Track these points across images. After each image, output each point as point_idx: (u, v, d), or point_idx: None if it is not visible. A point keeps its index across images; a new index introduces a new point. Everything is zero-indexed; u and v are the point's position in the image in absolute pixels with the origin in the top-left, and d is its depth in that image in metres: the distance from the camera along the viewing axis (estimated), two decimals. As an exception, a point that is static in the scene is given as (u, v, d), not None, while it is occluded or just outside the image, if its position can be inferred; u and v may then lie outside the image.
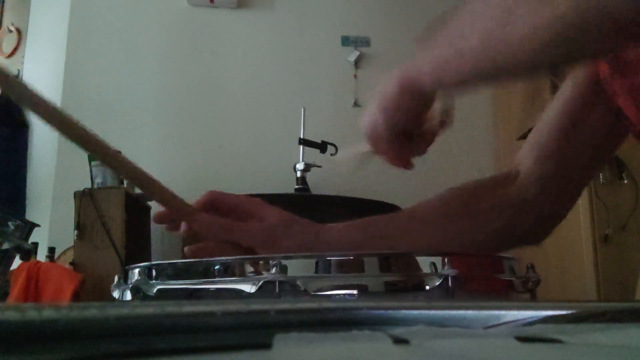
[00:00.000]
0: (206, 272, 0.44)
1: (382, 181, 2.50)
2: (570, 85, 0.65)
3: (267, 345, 0.18)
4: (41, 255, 2.14)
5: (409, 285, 0.42)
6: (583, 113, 0.63)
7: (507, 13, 0.39)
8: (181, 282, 0.44)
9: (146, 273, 0.45)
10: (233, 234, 0.53)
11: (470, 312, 0.24)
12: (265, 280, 0.39)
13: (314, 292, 0.40)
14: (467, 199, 0.65)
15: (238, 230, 0.53)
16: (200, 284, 0.43)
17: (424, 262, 0.42)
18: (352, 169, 0.62)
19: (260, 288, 0.39)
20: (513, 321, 0.24)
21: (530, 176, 0.65)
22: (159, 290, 0.44)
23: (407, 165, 0.55)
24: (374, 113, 0.51)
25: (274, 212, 0.56)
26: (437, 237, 0.62)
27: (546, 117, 0.66)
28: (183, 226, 0.54)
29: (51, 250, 2.24)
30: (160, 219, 0.55)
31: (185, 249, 0.54)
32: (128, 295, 0.45)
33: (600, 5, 0.34)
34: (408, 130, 0.53)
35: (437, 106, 0.51)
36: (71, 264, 2.15)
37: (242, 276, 0.42)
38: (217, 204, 0.56)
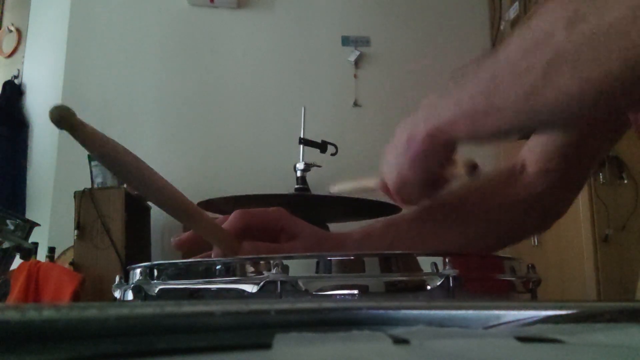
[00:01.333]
0: (207, 272, 0.43)
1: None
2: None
3: (267, 345, 0.18)
4: (41, 255, 2.14)
5: (409, 286, 0.42)
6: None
7: (553, 69, 0.37)
8: (182, 282, 0.44)
9: (147, 273, 0.45)
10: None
11: (470, 312, 0.24)
12: (267, 280, 0.39)
13: (315, 292, 0.40)
14: (476, 197, 0.65)
15: (284, 252, 0.52)
16: (202, 283, 0.43)
17: (425, 262, 0.42)
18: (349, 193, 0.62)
19: (261, 288, 0.39)
20: (513, 321, 0.24)
21: (537, 172, 0.65)
22: (160, 290, 0.44)
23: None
24: (401, 167, 0.49)
25: (305, 227, 0.55)
26: (452, 238, 0.62)
27: None
28: (215, 253, 0.52)
29: (51, 250, 2.25)
30: (183, 244, 0.52)
31: (172, 239, 0.53)
32: (129, 295, 0.45)
33: None
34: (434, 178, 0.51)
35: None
36: (71, 264, 2.15)
37: (244, 276, 0.42)
38: (247, 226, 0.54)
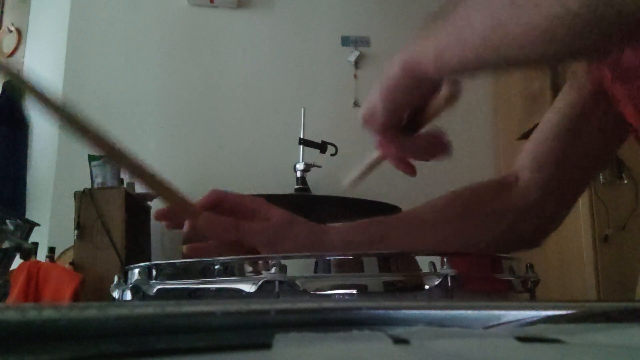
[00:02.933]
0: (206, 272, 0.44)
1: (382, 182, 2.50)
2: (570, 90, 0.65)
3: (267, 345, 0.18)
4: (41, 255, 2.14)
5: (408, 285, 0.42)
6: (583, 119, 0.63)
7: (515, 4, 0.38)
8: (181, 281, 0.44)
9: (146, 273, 0.45)
10: (236, 232, 0.53)
11: (470, 312, 0.24)
12: (265, 280, 0.39)
13: (313, 291, 0.40)
14: (469, 203, 0.65)
15: (241, 229, 0.53)
16: (200, 283, 0.43)
17: (423, 262, 0.42)
18: (361, 179, 0.62)
19: (259, 288, 0.39)
20: (513, 321, 0.24)
21: (531, 182, 0.65)
22: (158, 290, 0.44)
23: (408, 167, 0.54)
24: (375, 97, 0.50)
25: (278, 212, 0.56)
26: (438, 241, 0.62)
27: (546, 123, 0.66)
28: (186, 225, 0.54)
29: (51, 250, 2.25)
30: (161, 216, 0.55)
31: (184, 247, 0.54)
32: (128, 295, 0.45)
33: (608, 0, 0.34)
34: (408, 116, 0.51)
35: (442, 93, 0.50)
36: (71, 264, 2.15)
37: (242, 276, 0.42)
38: (220, 203, 0.56)
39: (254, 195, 0.60)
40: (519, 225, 0.66)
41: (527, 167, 0.66)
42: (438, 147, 0.51)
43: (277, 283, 0.39)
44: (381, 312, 0.23)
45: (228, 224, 0.53)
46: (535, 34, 0.38)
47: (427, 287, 0.41)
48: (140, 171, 0.51)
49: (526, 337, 0.19)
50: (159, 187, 0.52)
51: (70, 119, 0.45)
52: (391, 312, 0.23)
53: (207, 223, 0.52)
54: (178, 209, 0.54)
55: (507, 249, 0.66)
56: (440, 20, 0.46)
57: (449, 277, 0.40)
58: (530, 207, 0.65)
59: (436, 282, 0.40)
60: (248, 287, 0.40)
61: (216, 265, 0.44)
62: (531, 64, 0.44)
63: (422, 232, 0.62)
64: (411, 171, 0.54)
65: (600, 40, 0.37)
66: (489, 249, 0.64)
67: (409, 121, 0.52)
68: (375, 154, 0.57)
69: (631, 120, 0.59)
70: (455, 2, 0.45)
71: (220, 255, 0.51)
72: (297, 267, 0.41)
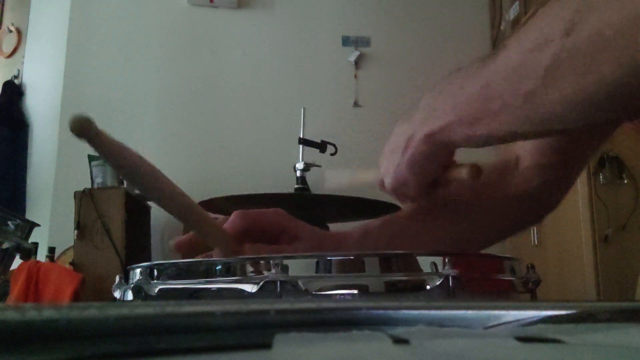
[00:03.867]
0: (207, 272, 0.44)
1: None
2: None
3: (267, 345, 0.18)
4: (41, 255, 2.14)
5: (409, 285, 0.42)
6: None
7: (552, 74, 0.37)
8: (182, 282, 0.44)
9: (148, 273, 0.45)
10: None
11: (470, 312, 0.24)
12: (267, 280, 0.39)
13: (315, 291, 0.40)
14: (475, 194, 0.65)
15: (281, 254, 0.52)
16: (202, 283, 0.43)
17: (425, 262, 0.42)
18: (340, 188, 0.62)
19: (261, 288, 0.39)
20: (513, 321, 0.24)
21: (532, 168, 0.65)
22: (160, 290, 0.44)
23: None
24: (399, 168, 0.49)
25: (305, 228, 0.55)
26: (443, 238, 0.62)
27: None
28: (216, 255, 0.51)
29: (51, 250, 2.25)
30: (184, 247, 0.52)
31: (171, 243, 0.53)
32: (129, 295, 0.45)
33: None
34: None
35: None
36: (71, 264, 2.15)
37: (244, 276, 0.42)
38: (248, 227, 0.54)
39: (252, 195, 0.59)
40: (522, 208, 0.66)
41: (529, 151, 0.66)
42: (473, 177, 0.50)
43: (278, 283, 0.39)
44: (381, 312, 0.23)
45: (273, 252, 0.51)
46: (570, 104, 0.36)
47: (428, 287, 0.41)
48: (177, 204, 0.47)
49: (526, 337, 0.19)
50: (195, 219, 0.48)
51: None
52: (391, 312, 0.23)
53: (253, 253, 0.50)
54: (211, 241, 0.51)
55: (515, 231, 0.66)
56: (462, 81, 0.44)
57: (450, 278, 0.40)
58: (531, 194, 0.65)
59: (437, 283, 0.40)
60: (250, 287, 0.40)
61: (218, 265, 0.44)
62: (564, 133, 0.43)
63: (431, 229, 0.62)
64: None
65: (633, 103, 0.36)
66: (493, 238, 0.64)
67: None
68: (371, 175, 0.57)
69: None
70: (474, 62, 0.43)
71: (208, 249, 0.51)
72: (299, 267, 0.41)
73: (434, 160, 0.48)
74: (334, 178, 0.64)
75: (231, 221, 0.53)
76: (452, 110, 0.45)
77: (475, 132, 0.43)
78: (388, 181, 0.52)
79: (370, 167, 0.60)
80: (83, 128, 0.35)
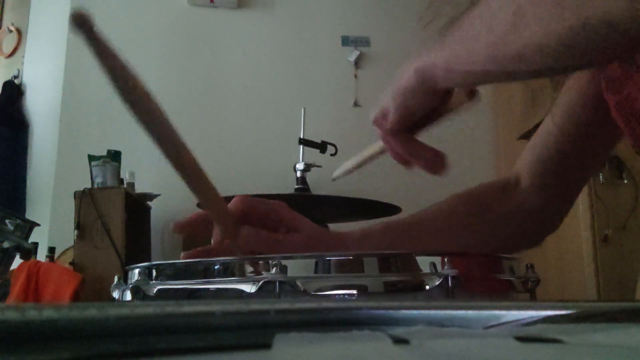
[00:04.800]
0: (206, 272, 0.43)
1: (382, 181, 2.50)
2: (571, 92, 0.65)
3: (267, 345, 0.18)
4: (41, 255, 2.14)
5: (408, 286, 0.42)
6: (584, 122, 0.64)
7: (518, 21, 0.40)
8: (181, 282, 0.44)
9: (146, 273, 0.45)
10: (276, 248, 0.51)
11: (470, 312, 0.24)
12: (265, 280, 0.39)
13: (313, 292, 0.40)
14: (473, 210, 0.66)
15: (280, 244, 0.52)
16: (200, 284, 0.43)
17: (424, 262, 0.42)
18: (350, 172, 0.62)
19: (260, 288, 0.39)
20: (513, 321, 0.24)
21: (532, 187, 0.67)
22: (159, 290, 0.44)
23: (406, 163, 0.55)
24: (387, 99, 0.52)
25: (305, 221, 0.56)
26: (444, 246, 0.63)
27: (545, 128, 0.67)
28: (214, 238, 0.52)
29: (51, 250, 2.24)
30: (182, 228, 0.53)
31: (182, 254, 0.53)
32: (128, 296, 0.45)
33: (604, 16, 0.36)
34: (416, 122, 0.53)
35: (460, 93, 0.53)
36: (71, 264, 2.15)
37: (242, 276, 0.42)
38: (248, 211, 0.54)
39: (252, 195, 0.59)
40: (522, 229, 0.67)
41: (528, 172, 0.67)
42: (437, 163, 0.53)
43: (277, 283, 0.39)
44: (381, 312, 0.23)
45: (271, 240, 0.51)
46: (534, 48, 0.40)
47: (427, 287, 0.41)
48: (196, 175, 0.46)
49: (526, 337, 0.19)
50: (212, 197, 0.47)
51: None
52: (391, 312, 0.23)
53: (249, 239, 0.50)
54: (221, 223, 0.50)
55: (509, 251, 0.66)
56: (452, 30, 0.47)
57: (449, 278, 0.40)
58: (532, 211, 0.66)
59: (437, 283, 0.40)
60: (248, 288, 0.40)
61: (216, 265, 0.44)
62: (532, 76, 0.46)
63: (430, 238, 0.63)
64: (408, 165, 0.55)
65: (598, 52, 0.39)
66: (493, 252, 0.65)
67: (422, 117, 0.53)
68: (374, 146, 0.58)
69: (622, 128, 0.60)
70: (466, 13, 0.46)
71: (207, 230, 0.51)
72: (298, 268, 0.41)
73: (418, 94, 0.50)
74: (339, 171, 0.65)
75: (233, 202, 0.54)
76: (441, 49, 0.48)
77: (453, 69, 0.46)
78: (373, 112, 0.54)
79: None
80: (83, 19, 0.35)
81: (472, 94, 0.52)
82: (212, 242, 0.53)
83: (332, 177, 0.66)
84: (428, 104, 0.51)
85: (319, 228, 0.58)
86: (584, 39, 0.37)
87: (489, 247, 0.65)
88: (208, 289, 0.42)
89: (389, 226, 0.62)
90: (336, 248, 0.57)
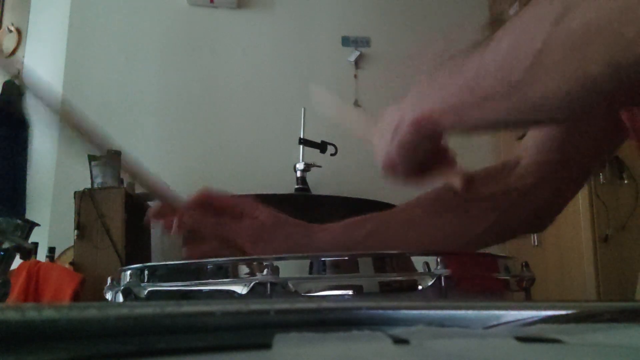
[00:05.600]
0: (198, 274, 0.43)
1: (382, 181, 2.49)
2: None
3: (267, 345, 0.18)
4: (41, 255, 2.14)
5: (402, 286, 0.42)
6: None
7: (537, 66, 0.37)
8: (173, 283, 0.44)
9: (138, 275, 0.44)
10: (223, 230, 0.54)
11: (470, 312, 0.24)
12: (257, 281, 0.39)
13: (304, 293, 0.40)
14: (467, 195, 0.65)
15: (229, 227, 0.54)
16: (192, 285, 0.43)
17: (418, 262, 0.42)
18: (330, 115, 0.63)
19: (251, 289, 0.39)
20: (513, 321, 0.24)
21: (529, 165, 0.65)
22: (150, 292, 0.43)
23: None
24: (389, 151, 0.50)
25: (266, 211, 0.56)
26: (431, 235, 0.62)
27: None
28: (175, 223, 0.54)
29: (51, 250, 2.24)
30: (155, 214, 0.56)
31: (184, 249, 0.54)
32: (120, 298, 0.45)
33: (630, 62, 0.33)
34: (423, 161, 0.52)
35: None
36: (71, 264, 2.15)
37: (234, 277, 0.42)
38: (210, 202, 0.56)
39: (251, 195, 0.60)
40: (513, 213, 0.65)
41: (528, 150, 0.66)
42: (446, 165, 0.52)
43: (269, 285, 0.39)
44: (381, 312, 0.23)
45: (214, 221, 0.54)
46: (558, 97, 0.37)
47: (420, 287, 0.41)
48: (133, 168, 0.52)
49: (526, 337, 0.19)
50: (151, 182, 0.54)
51: (69, 121, 0.46)
52: (391, 312, 0.23)
53: (191, 220, 0.54)
54: (169, 204, 0.55)
55: (505, 238, 0.66)
56: (451, 70, 0.44)
57: (442, 278, 0.40)
58: (525, 192, 0.64)
59: (430, 283, 0.40)
60: (240, 289, 0.40)
61: (208, 266, 0.43)
62: (551, 123, 0.44)
63: (414, 226, 0.62)
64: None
65: (622, 96, 0.36)
66: (486, 239, 0.64)
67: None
68: (358, 117, 0.58)
69: (627, 121, 0.59)
70: (464, 51, 0.43)
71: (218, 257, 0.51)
72: (290, 269, 0.41)
73: (421, 146, 0.49)
74: (321, 97, 0.65)
75: (195, 194, 0.56)
76: (441, 97, 0.45)
77: (463, 118, 0.43)
78: (379, 163, 0.53)
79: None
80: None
81: (467, 185, 0.49)
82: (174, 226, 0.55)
83: (313, 91, 0.66)
84: (432, 146, 0.50)
85: (282, 217, 0.57)
86: (613, 82, 0.34)
87: (478, 230, 0.63)
88: (200, 290, 0.42)
89: (370, 216, 0.61)
90: (303, 237, 0.56)
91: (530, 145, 0.66)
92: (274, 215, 0.56)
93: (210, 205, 0.56)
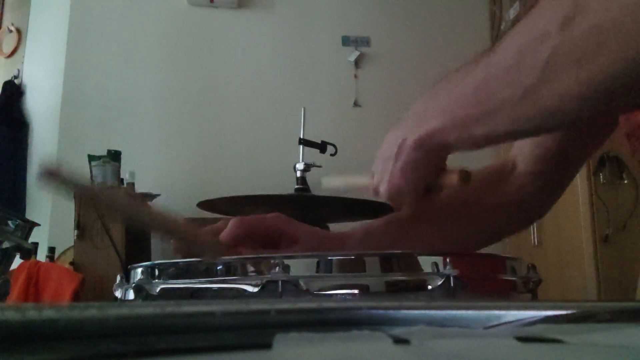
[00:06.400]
0: (209, 272, 0.44)
1: (382, 181, 2.49)
2: None
3: (267, 345, 0.18)
4: (41, 255, 2.14)
5: (410, 285, 0.42)
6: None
7: (550, 70, 0.36)
8: (184, 281, 0.44)
9: (149, 272, 0.45)
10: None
11: (470, 312, 0.24)
12: (268, 279, 0.39)
13: (316, 291, 0.40)
14: (467, 199, 0.65)
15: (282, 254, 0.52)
16: (203, 283, 0.43)
17: (426, 262, 0.42)
18: (338, 190, 0.62)
19: (262, 288, 0.39)
20: (513, 321, 0.24)
21: (528, 174, 0.65)
22: (162, 289, 0.44)
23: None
24: (392, 176, 0.49)
25: (305, 229, 0.55)
26: (444, 238, 0.62)
27: None
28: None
29: (51, 250, 2.25)
30: (182, 251, 0.53)
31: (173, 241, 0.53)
32: (131, 295, 0.45)
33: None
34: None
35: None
36: (71, 264, 2.15)
37: (245, 276, 0.42)
38: (246, 233, 0.53)
39: (252, 195, 0.59)
40: (516, 218, 0.66)
41: (526, 158, 0.65)
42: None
43: (280, 283, 0.39)
44: (381, 312, 0.23)
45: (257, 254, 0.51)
46: (569, 100, 0.36)
47: (429, 287, 0.41)
48: (169, 227, 0.49)
49: (526, 337, 0.19)
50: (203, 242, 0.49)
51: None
52: (391, 312, 0.23)
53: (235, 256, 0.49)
54: (190, 241, 0.51)
55: (502, 236, 0.66)
56: (451, 86, 0.43)
57: (451, 278, 0.40)
58: (528, 200, 0.65)
59: (439, 283, 0.40)
60: (251, 287, 0.40)
61: (219, 265, 0.44)
62: (563, 128, 0.42)
63: (433, 228, 0.62)
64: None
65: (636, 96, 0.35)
66: (487, 240, 0.64)
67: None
68: (364, 179, 0.56)
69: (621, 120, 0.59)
70: (470, 64, 0.42)
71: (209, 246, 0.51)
72: (300, 267, 0.41)
73: (427, 165, 0.47)
74: (329, 183, 0.64)
75: (228, 228, 0.52)
76: (444, 113, 0.44)
77: (470, 133, 0.42)
78: (383, 189, 0.51)
79: (367, 170, 0.60)
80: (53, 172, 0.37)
81: (465, 179, 0.48)
82: None
83: (322, 184, 0.65)
84: (438, 165, 0.48)
85: (320, 232, 0.57)
86: (624, 83, 0.33)
87: (485, 236, 0.64)
88: (211, 288, 0.42)
89: (389, 222, 0.61)
90: (338, 250, 0.56)
91: (525, 154, 0.66)
92: (314, 233, 0.55)
93: (248, 237, 0.53)
